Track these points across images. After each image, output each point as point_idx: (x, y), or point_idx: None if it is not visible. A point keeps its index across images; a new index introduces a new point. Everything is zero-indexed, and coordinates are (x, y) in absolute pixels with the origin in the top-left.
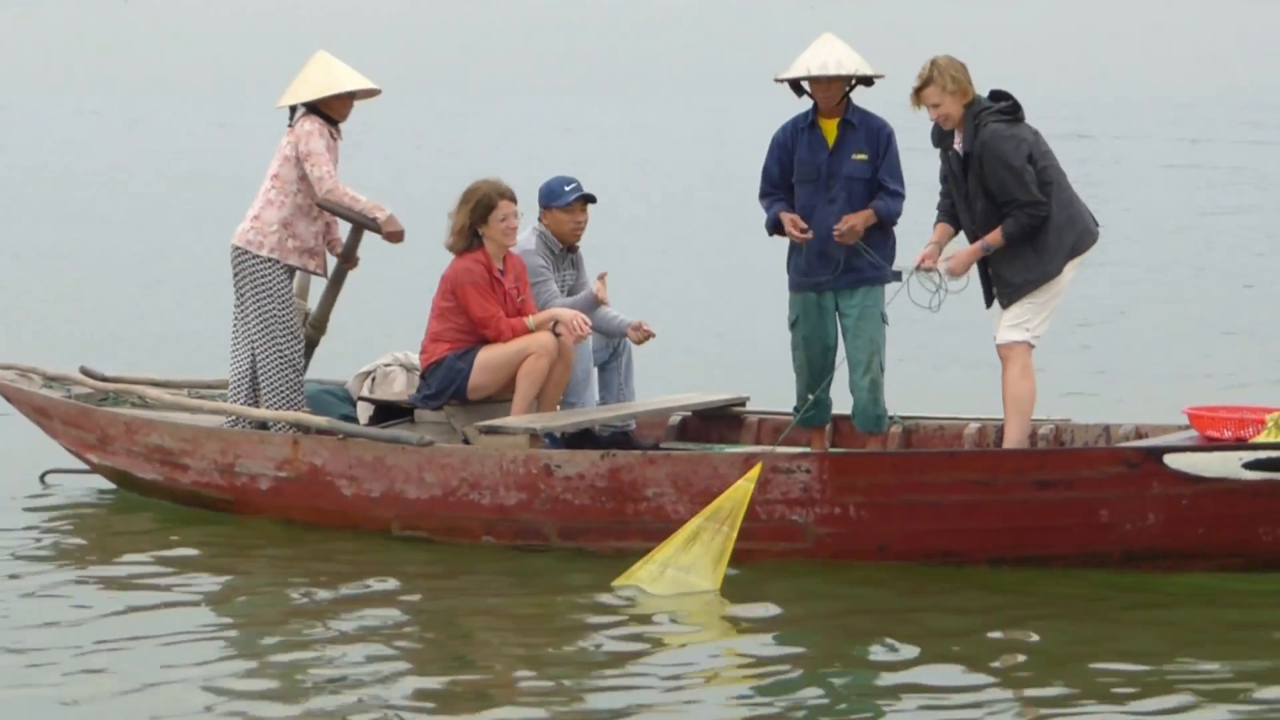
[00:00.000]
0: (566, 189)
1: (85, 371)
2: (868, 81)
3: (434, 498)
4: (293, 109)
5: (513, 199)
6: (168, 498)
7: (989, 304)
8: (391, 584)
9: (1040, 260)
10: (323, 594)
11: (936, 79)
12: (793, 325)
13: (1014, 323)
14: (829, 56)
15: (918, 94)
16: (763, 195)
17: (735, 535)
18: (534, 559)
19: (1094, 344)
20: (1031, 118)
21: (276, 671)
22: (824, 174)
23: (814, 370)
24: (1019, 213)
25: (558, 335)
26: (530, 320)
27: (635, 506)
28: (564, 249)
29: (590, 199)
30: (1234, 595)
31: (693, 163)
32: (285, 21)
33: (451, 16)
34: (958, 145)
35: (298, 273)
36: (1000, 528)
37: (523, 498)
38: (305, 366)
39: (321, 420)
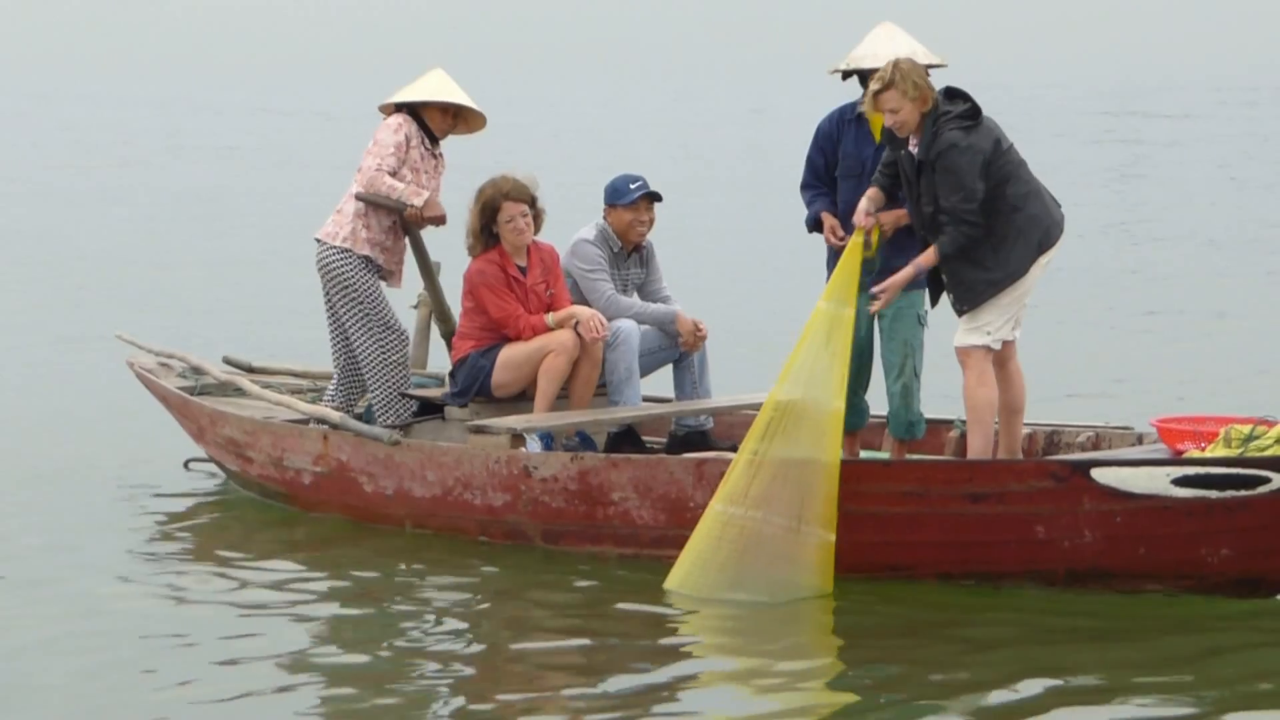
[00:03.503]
0: (632, 187)
1: (228, 361)
2: None
3: (435, 496)
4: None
5: (519, 198)
6: (244, 487)
7: (935, 302)
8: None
9: (1000, 262)
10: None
11: (898, 83)
12: None
13: (973, 325)
14: (885, 49)
15: (876, 97)
16: (805, 187)
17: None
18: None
19: (1144, 346)
20: (1082, 101)
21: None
22: (869, 170)
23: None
24: (954, 230)
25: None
26: (550, 318)
27: (604, 511)
28: (624, 248)
29: (656, 197)
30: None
31: (754, 151)
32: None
33: (483, 5)
34: (913, 147)
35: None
36: (941, 541)
37: (508, 499)
38: (425, 358)
39: (335, 415)
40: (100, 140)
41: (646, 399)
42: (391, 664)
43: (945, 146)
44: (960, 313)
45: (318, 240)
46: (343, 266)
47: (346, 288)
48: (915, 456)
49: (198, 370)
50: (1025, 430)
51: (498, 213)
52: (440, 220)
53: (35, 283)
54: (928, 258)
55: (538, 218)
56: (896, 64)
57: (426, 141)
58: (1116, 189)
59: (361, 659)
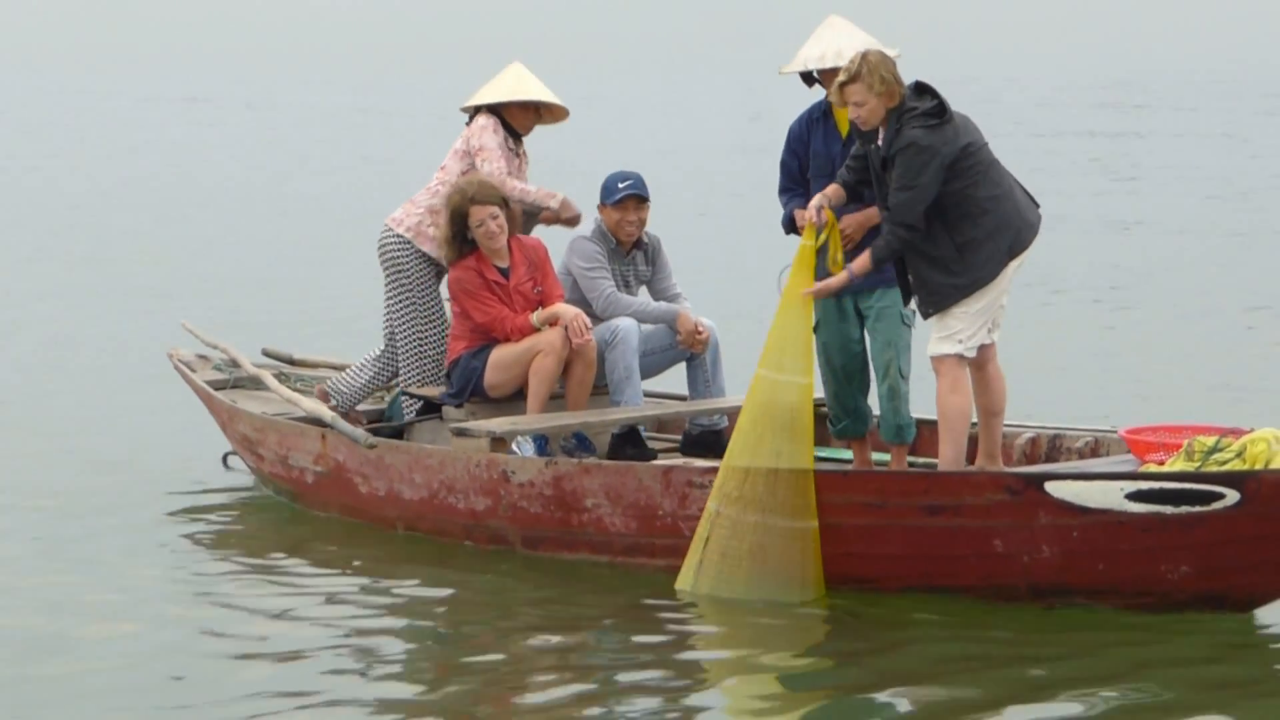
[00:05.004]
0: (620, 186)
1: (268, 353)
2: None
3: (423, 499)
4: (476, 111)
5: (486, 200)
6: (260, 482)
7: (906, 301)
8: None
9: (967, 266)
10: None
11: (864, 76)
12: (815, 330)
13: (945, 334)
14: (828, 47)
15: (842, 89)
16: (782, 191)
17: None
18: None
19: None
20: (1062, 94)
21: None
22: (838, 167)
23: (837, 378)
24: (890, 231)
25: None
26: (534, 318)
27: (579, 517)
28: (619, 245)
29: (642, 198)
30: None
31: (746, 146)
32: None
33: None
34: (880, 142)
35: None
36: (902, 554)
37: (489, 503)
38: None
39: (328, 413)
40: (163, 129)
41: (662, 397)
42: (370, 669)
43: (904, 144)
44: (926, 316)
45: (384, 225)
46: (399, 254)
47: (399, 274)
48: (922, 460)
49: (233, 363)
50: (1029, 434)
51: (467, 218)
52: (576, 220)
53: (107, 266)
54: (860, 264)
55: (512, 217)
56: (865, 56)
57: (510, 140)
58: (1109, 186)
59: (340, 664)
